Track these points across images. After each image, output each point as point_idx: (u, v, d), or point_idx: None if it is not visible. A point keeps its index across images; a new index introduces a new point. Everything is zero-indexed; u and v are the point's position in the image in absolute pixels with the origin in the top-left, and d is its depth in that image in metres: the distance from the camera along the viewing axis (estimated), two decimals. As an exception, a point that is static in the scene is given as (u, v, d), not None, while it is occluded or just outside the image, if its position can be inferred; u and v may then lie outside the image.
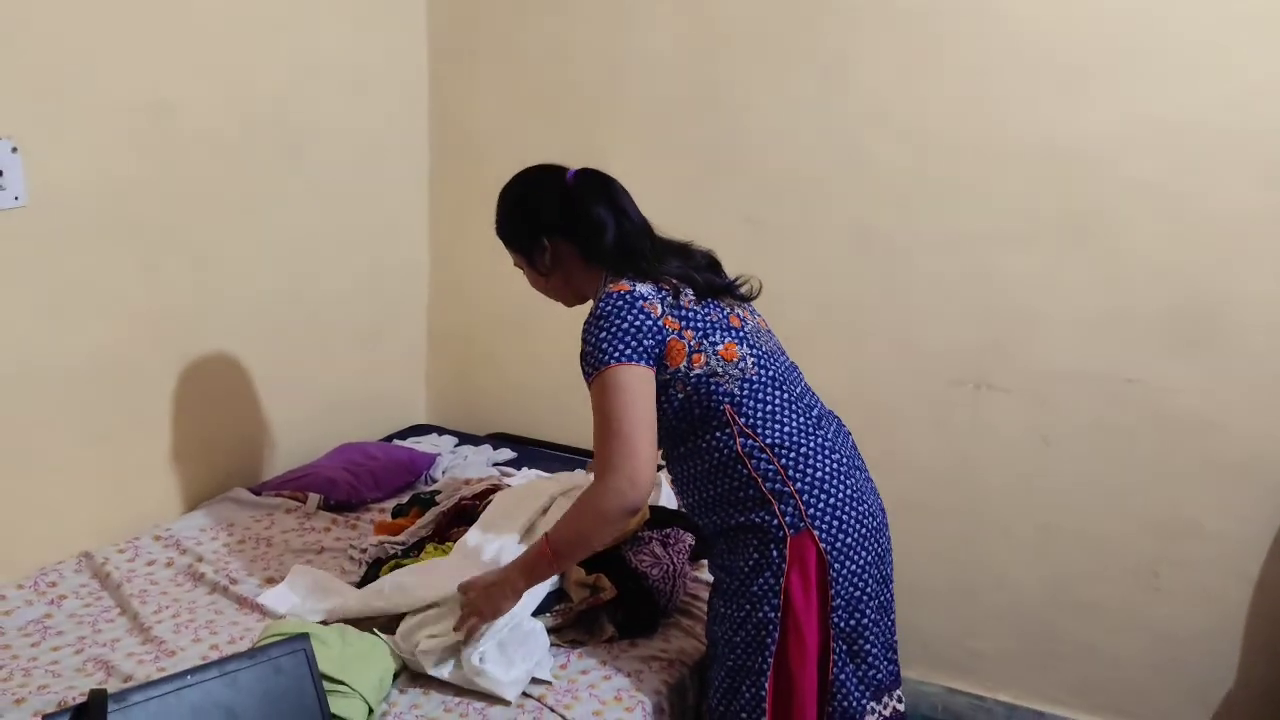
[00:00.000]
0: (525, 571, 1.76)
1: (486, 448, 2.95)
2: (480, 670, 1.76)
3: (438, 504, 2.30)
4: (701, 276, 1.75)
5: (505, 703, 1.76)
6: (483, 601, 1.77)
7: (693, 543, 2.16)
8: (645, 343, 1.63)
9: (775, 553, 1.65)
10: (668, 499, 2.43)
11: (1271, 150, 2.22)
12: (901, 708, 1.79)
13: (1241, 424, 2.35)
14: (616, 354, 1.62)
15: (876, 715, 1.73)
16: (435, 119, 3.09)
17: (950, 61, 2.45)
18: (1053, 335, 2.47)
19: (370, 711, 1.68)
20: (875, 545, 1.73)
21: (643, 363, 1.63)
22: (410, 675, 1.83)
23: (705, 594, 2.15)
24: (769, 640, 1.66)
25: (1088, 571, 2.53)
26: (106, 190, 2.21)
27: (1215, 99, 2.24)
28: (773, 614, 1.65)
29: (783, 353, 1.82)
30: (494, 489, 2.28)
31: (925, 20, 2.45)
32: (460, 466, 2.77)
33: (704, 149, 2.74)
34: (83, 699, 1.68)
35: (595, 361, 1.64)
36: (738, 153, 2.70)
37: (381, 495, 2.60)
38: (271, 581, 2.16)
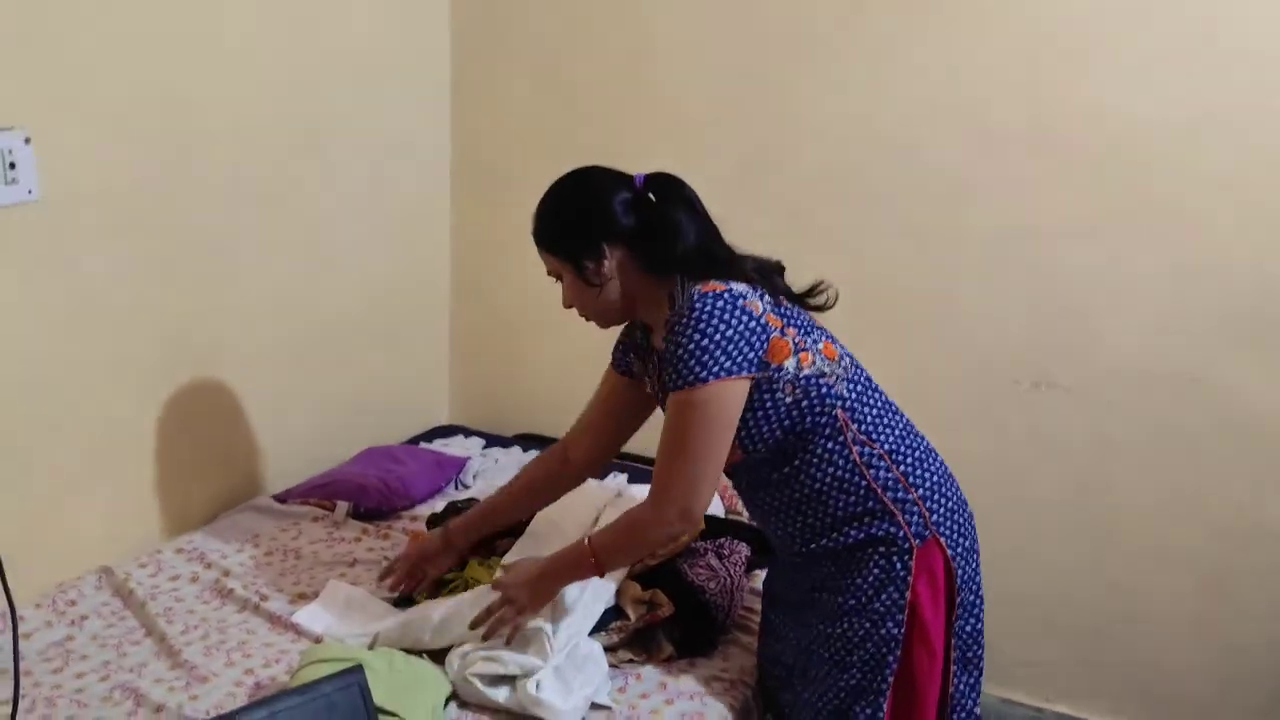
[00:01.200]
0: (567, 570, 1.67)
1: (516, 449, 2.83)
2: (537, 699, 1.64)
3: (476, 514, 2.18)
4: (780, 281, 1.63)
5: (565, 732, 1.65)
6: (521, 592, 1.67)
7: (749, 554, 2.05)
8: (749, 348, 1.50)
9: (899, 565, 1.56)
10: (716, 507, 2.32)
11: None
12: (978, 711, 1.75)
13: (1314, 424, 2.25)
14: (716, 367, 1.48)
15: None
16: (458, 112, 2.95)
17: (1007, 47, 2.33)
18: (1114, 332, 2.36)
19: (423, 744, 1.57)
20: (978, 548, 1.69)
21: (743, 373, 1.50)
22: (461, 701, 1.71)
23: (760, 607, 2.05)
24: (890, 658, 1.56)
25: (1151, 579, 2.43)
26: (122, 185, 2.08)
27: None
28: (896, 630, 1.56)
29: None
30: (537, 498, 2.15)
31: (979, 2, 2.33)
32: (492, 470, 2.65)
33: (744, 141, 2.61)
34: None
35: (689, 373, 1.48)
36: (780, 145, 2.58)
37: (412, 502, 2.48)
38: (303, 598, 2.04)
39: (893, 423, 1.61)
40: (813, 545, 1.62)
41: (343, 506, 2.39)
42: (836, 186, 2.54)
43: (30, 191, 1.90)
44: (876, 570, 1.57)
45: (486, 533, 1.97)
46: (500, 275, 3.03)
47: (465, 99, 2.94)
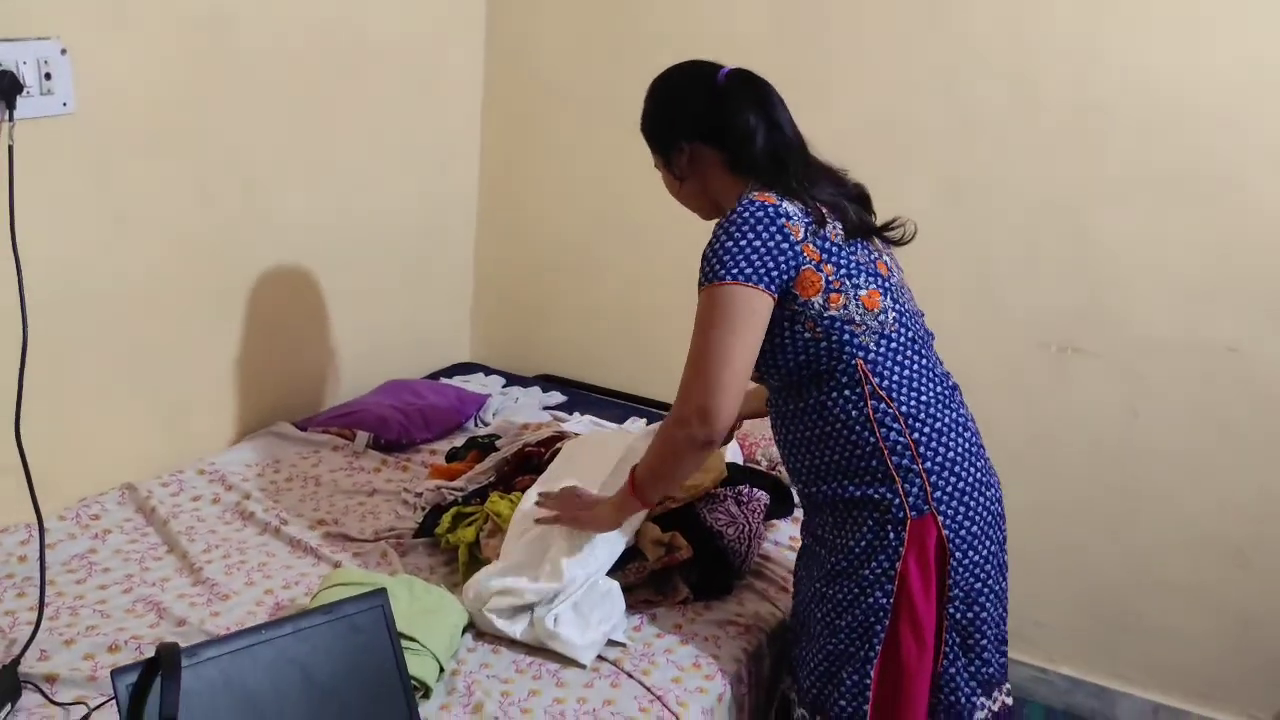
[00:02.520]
0: (616, 507, 1.70)
1: (536, 389, 2.84)
2: (554, 633, 1.66)
3: (498, 449, 2.19)
4: (853, 210, 1.58)
5: (580, 666, 1.66)
6: (577, 506, 1.73)
7: (768, 502, 2.05)
8: (775, 267, 1.46)
9: (893, 535, 1.51)
10: (734, 454, 2.32)
11: None
12: (1010, 702, 1.67)
13: (1344, 401, 2.23)
14: (737, 270, 1.45)
15: (986, 712, 1.62)
16: (491, 47, 2.92)
17: (1061, 4, 2.27)
18: (1149, 298, 2.33)
19: (441, 670, 1.59)
20: (997, 534, 1.61)
21: (764, 287, 1.46)
22: (478, 631, 1.73)
23: (777, 555, 2.06)
24: (878, 627, 1.53)
25: (1169, 547, 2.42)
26: (158, 102, 2.07)
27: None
28: (885, 600, 1.52)
29: (921, 314, 1.66)
30: (559, 437, 2.16)
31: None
32: (511, 409, 2.66)
33: (783, 86, 2.55)
34: (136, 640, 1.59)
35: (711, 270, 1.47)
36: (820, 92, 2.53)
37: (431, 436, 2.48)
38: (322, 523, 2.05)
39: (921, 388, 1.55)
40: (813, 489, 1.60)
41: (363, 437, 2.40)
42: (874, 137, 2.50)
43: (65, 104, 1.89)
44: (869, 535, 1.53)
45: None
46: (527, 215, 3.01)
47: (500, 31, 2.90)
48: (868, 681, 1.55)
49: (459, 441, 2.39)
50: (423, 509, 2.08)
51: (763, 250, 1.46)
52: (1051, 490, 2.51)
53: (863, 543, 1.54)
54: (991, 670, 1.61)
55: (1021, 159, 2.38)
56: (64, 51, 1.86)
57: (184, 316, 2.24)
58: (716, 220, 1.54)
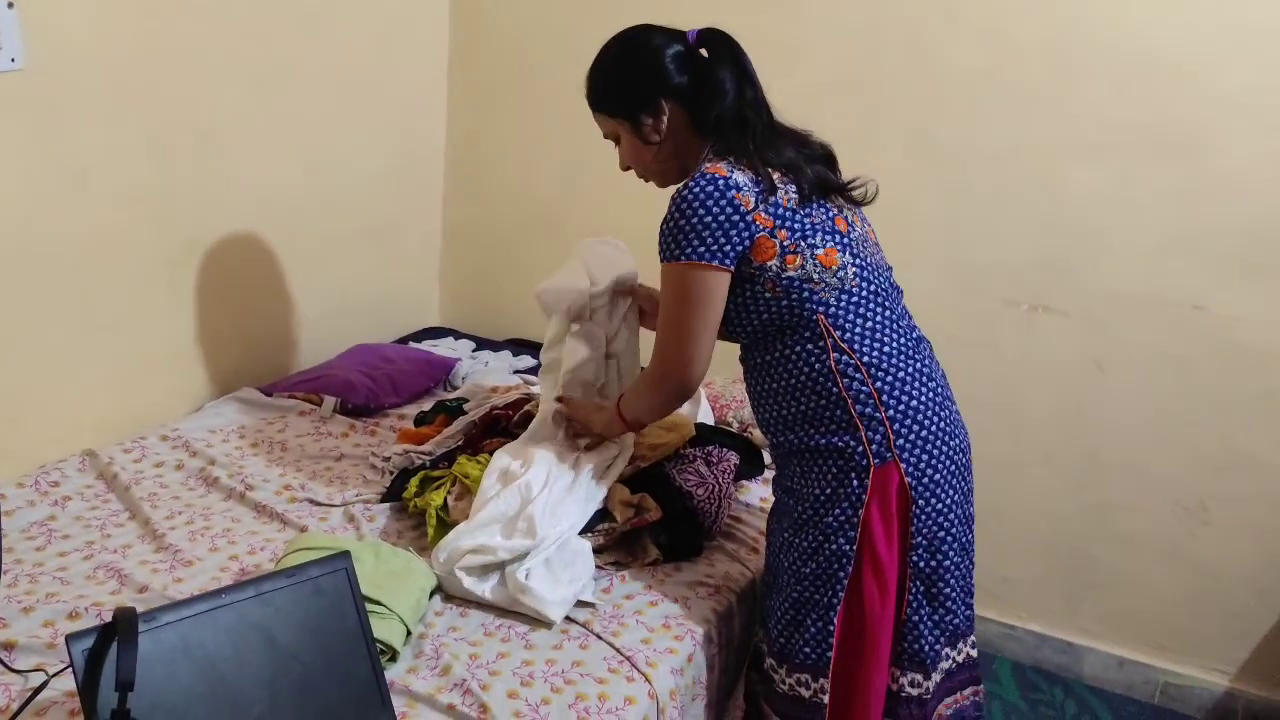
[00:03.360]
0: (609, 420, 1.82)
1: (506, 353, 2.81)
2: (526, 587, 1.65)
3: (466, 413, 2.17)
4: (813, 169, 1.58)
5: (548, 626, 1.65)
6: (585, 410, 1.87)
7: (737, 462, 2.04)
8: (728, 240, 1.49)
9: (855, 482, 1.53)
10: (705, 414, 2.31)
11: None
12: (974, 654, 1.69)
13: (1308, 357, 2.24)
14: (691, 249, 1.50)
15: (951, 662, 1.63)
16: (457, 3, 2.86)
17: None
18: (1118, 256, 2.34)
19: (408, 634, 1.58)
20: (962, 484, 1.61)
21: (718, 262, 1.50)
22: (447, 594, 1.72)
23: (747, 516, 2.06)
24: (841, 574, 1.54)
25: (1132, 502, 2.45)
26: (111, 57, 2.01)
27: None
28: (848, 547, 1.54)
29: (888, 269, 1.66)
30: (526, 399, 2.14)
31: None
32: (481, 373, 2.63)
33: (749, 42, 2.52)
34: (96, 607, 1.56)
35: (670, 249, 1.53)
36: (785, 47, 2.50)
37: (400, 400, 2.46)
38: (289, 488, 2.03)
39: (884, 339, 1.56)
40: (780, 439, 1.62)
41: (329, 401, 2.37)
42: (843, 95, 2.47)
43: (14, 60, 1.84)
44: (833, 483, 1.54)
45: None
46: (496, 176, 2.97)
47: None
48: (831, 628, 1.56)
49: (427, 406, 2.37)
50: (390, 473, 2.06)
51: (714, 226, 1.49)
52: (1018, 447, 2.53)
53: (827, 490, 1.55)
54: (957, 621, 1.62)
55: (988, 114, 2.37)
56: (11, 5, 1.80)
57: (143, 278, 2.19)
58: (673, 191, 1.55)
